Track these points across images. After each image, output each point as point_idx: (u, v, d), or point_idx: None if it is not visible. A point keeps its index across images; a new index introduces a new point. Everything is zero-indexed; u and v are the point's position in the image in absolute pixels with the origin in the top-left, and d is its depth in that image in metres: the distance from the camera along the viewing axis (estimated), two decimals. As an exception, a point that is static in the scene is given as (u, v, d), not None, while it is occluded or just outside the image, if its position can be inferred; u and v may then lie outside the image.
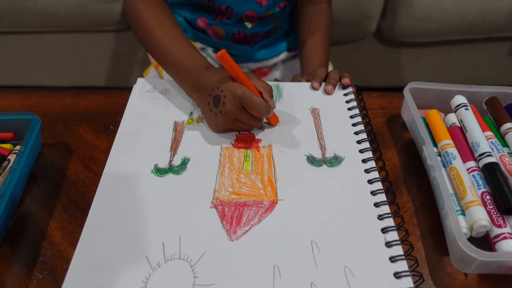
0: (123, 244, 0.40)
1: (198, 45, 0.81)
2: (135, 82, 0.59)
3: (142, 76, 0.88)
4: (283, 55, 0.82)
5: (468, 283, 0.41)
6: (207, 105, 0.50)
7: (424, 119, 0.54)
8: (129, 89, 0.58)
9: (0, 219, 0.41)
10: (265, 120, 0.52)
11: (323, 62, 0.70)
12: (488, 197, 0.43)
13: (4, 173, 0.47)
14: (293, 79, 0.65)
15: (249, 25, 0.73)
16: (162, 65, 0.57)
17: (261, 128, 0.53)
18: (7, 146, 0.51)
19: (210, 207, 0.43)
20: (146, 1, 0.59)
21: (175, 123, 0.53)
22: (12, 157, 0.48)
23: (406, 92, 0.55)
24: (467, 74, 1.41)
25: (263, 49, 0.80)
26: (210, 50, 0.80)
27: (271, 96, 0.50)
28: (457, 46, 1.33)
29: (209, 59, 0.80)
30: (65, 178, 0.49)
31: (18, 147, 0.50)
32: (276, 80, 0.84)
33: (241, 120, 0.49)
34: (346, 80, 0.58)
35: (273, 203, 0.44)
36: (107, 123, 0.56)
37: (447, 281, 0.41)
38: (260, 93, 0.49)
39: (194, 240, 0.40)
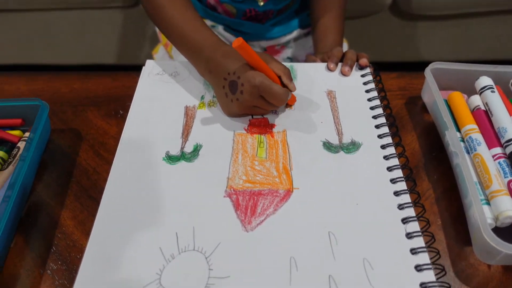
0: (136, 235, 0.39)
1: (208, 22, 0.78)
2: (144, 60, 0.57)
3: (151, 54, 0.86)
4: (296, 33, 0.79)
5: (491, 275, 0.39)
6: (222, 89, 0.48)
7: (446, 101, 0.51)
8: (138, 68, 0.56)
9: (13, 209, 0.40)
10: None
11: (337, 40, 0.67)
12: (514, 186, 0.41)
13: (15, 161, 0.46)
14: (307, 59, 0.63)
15: (261, 2, 0.70)
16: (174, 44, 0.54)
17: (275, 112, 0.51)
18: (16, 132, 0.50)
19: (224, 196, 0.42)
20: None
21: (186, 108, 0.51)
22: (21, 144, 0.48)
23: (428, 73, 0.52)
24: (487, 47, 1.35)
25: (275, 27, 0.77)
26: (220, 28, 0.78)
27: (291, 79, 0.48)
28: (476, 18, 1.27)
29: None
30: (75, 166, 0.48)
31: (27, 134, 0.49)
32: (288, 58, 0.81)
33: (258, 107, 0.47)
34: (363, 61, 0.55)
35: (288, 192, 0.43)
36: (117, 107, 0.54)
37: (469, 272, 0.40)
38: (279, 77, 0.47)
39: (208, 231, 0.39)
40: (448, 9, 1.22)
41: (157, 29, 0.82)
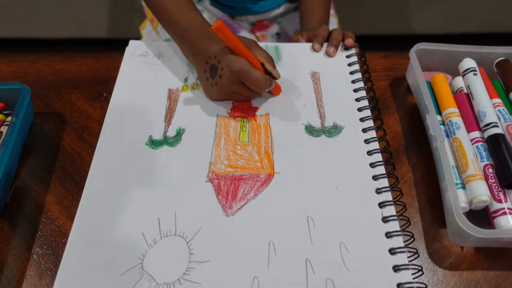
0: (119, 220, 0.40)
1: None
2: (132, 35, 0.56)
3: (138, 29, 0.84)
4: (284, 7, 0.77)
5: (463, 256, 0.41)
6: (204, 73, 0.48)
7: (429, 83, 0.51)
8: (126, 42, 0.55)
9: (-4, 195, 0.41)
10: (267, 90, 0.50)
11: (324, 16, 0.66)
12: (490, 170, 0.42)
13: (-3, 146, 0.46)
14: (292, 39, 0.62)
15: None
16: (161, 22, 0.53)
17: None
18: (-1, 116, 0.50)
19: (206, 181, 0.43)
20: None
21: (170, 91, 0.51)
22: (4, 129, 0.48)
23: (412, 54, 0.52)
24: (481, 20, 1.33)
25: (262, 0, 0.75)
26: (207, 2, 0.76)
27: (274, 66, 0.47)
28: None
29: (205, 13, 0.76)
30: (59, 150, 0.48)
31: (9, 118, 0.49)
32: (277, 34, 0.80)
33: (239, 93, 0.47)
34: (349, 41, 0.55)
35: (269, 177, 0.43)
36: (100, 89, 0.54)
37: (443, 254, 0.41)
38: (262, 64, 0.46)
39: (189, 215, 0.40)
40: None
41: (143, 4, 0.80)
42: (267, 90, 0.46)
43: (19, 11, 1.24)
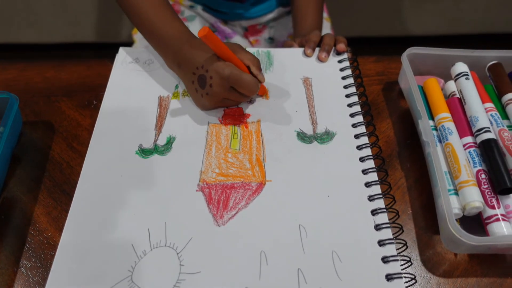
0: (108, 232, 0.39)
1: (187, 2, 0.76)
2: (125, 38, 0.55)
3: (131, 34, 0.84)
4: (276, 12, 0.77)
5: (457, 263, 0.41)
6: (192, 84, 0.47)
7: (421, 88, 0.51)
8: (116, 49, 0.55)
9: (-17, 207, 0.40)
10: None
11: (316, 21, 0.66)
12: (483, 175, 0.42)
13: (-15, 157, 0.45)
14: (285, 44, 0.62)
15: None
16: (142, 33, 0.53)
17: (250, 101, 0.50)
18: (-13, 126, 0.49)
19: (197, 190, 0.42)
20: None
21: (160, 98, 0.50)
22: (-8, 139, 0.47)
23: (404, 59, 0.51)
24: (477, 21, 1.33)
25: (255, 6, 0.75)
26: (199, 8, 0.76)
27: (260, 69, 0.47)
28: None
29: (197, 19, 0.76)
30: (48, 160, 0.48)
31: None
32: (270, 38, 0.79)
33: (230, 99, 0.47)
34: (341, 46, 0.54)
35: (261, 185, 0.43)
36: (90, 97, 0.54)
37: (436, 260, 0.41)
38: (248, 67, 0.46)
39: (180, 226, 0.40)
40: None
41: None
42: (256, 91, 0.46)
43: (15, 17, 1.23)
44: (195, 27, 0.75)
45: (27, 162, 0.48)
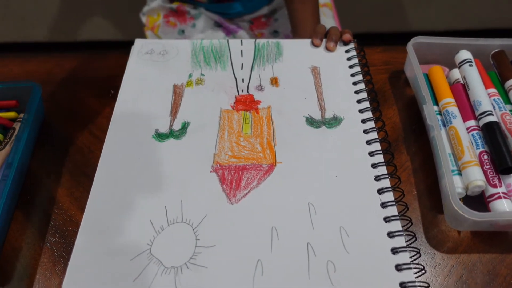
0: (127, 209, 0.41)
1: (190, 6, 0.77)
2: (137, 35, 0.58)
3: (143, 31, 0.86)
4: (275, 2, 0.79)
5: (460, 240, 0.42)
6: None
7: (427, 75, 0.53)
8: (131, 44, 0.57)
9: (11, 187, 0.43)
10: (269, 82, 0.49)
11: (317, 22, 0.67)
12: (485, 156, 0.43)
13: (11, 141, 0.48)
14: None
15: None
16: None
17: (261, 89, 0.52)
18: (12, 114, 0.52)
19: (210, 171, 0.44)
20: None
21: (175, 86, 0.53)
22: (17, 126, 0.50)
23: (409, 47, 0.53)
24: (483, 16, 1.34)
25: (253, 1, 0.77)
26: (202, 8, 0.77)
27: None
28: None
29: (202, 17, 0.76)
30: (70, 145, 0.50)
31: (22, 115, 0.51)
32: (276, 32, 0.81)
33: None
34: (347, 36, 0.56)
35: (271, 166, 0.45)
36: (108, 87, 0.56)
37: (440, 238, 0.42)
38: None
39: (195, 204, 0.42)
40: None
41: (142, 18, 0.82)
42: None
43: (28, 17, 1.27)
44: (201, 24, 0.77)
45: (50, 147, 0.50)
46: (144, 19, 0.80)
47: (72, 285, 0.37)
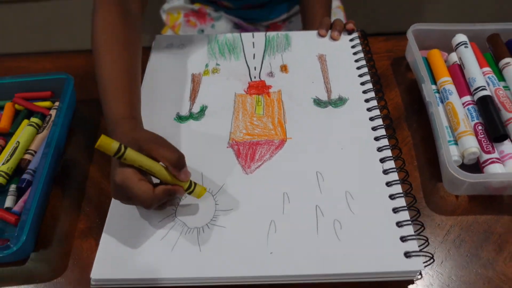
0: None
1: (211, 9, 0.83)
2: (157, 30, 0.63)
3: (161, 26, 0.92)
4: (296, 8, 0.84)
5: (458, 204, 0.46)
6: None
7: (426, 59, 0.56)
8: (148, 48, 0.63)
9: (50, 163, 0.48)
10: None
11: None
12: (480, 127, 0.47)
13: (48, 126, 0.54)
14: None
15: None
16: (98, 91, 0.48)
17: (272, 75, 0.57)
18: (47, 103, 0.57)
19: (227, 147, 0.49)
20: (105, 14, 0.51)
21: (193, 75, 0.58)
22: (53, 112, 0.55)
23: (409, 34, 0.57)
24: (486, 13, 1.37)
25: (276, 8, 0.82)
26: (223, 12, 0.82)
27: (181, 167, 0.40)
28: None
29: (222, 19, 0.81)
30: (99, 129, 0.55)
31: (57, 104, 0.56)
32: (289, 31, 0.86)
33: (137, 205, 0.43)
34: (350, 25, 0.61)
35: (282, 141, 0.49)
36: (132, 78, 0.61)
37: (440, 203, 0.46)
38: (166, 168, 0.41)
39: (214, 175, 0.46)
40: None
41: (162, 14, 0.88)
42: (179, 196, 0.42)
43: (52, 27, 1.34)
44: (222, 25, 0.82)
45: (81, 132, 0.56)
46: (164, 16, 0.86)
47: (108, 244, 0.41)
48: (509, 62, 0.52)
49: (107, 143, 0.38)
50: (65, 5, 1.28)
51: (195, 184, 0.43)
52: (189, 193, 0.42)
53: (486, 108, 0.47)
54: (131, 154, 0.39)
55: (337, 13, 0.82)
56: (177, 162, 0.40)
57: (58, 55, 0.66)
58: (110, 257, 0.41)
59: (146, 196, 0.38)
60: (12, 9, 1.29)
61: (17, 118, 0.56)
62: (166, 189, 0.40)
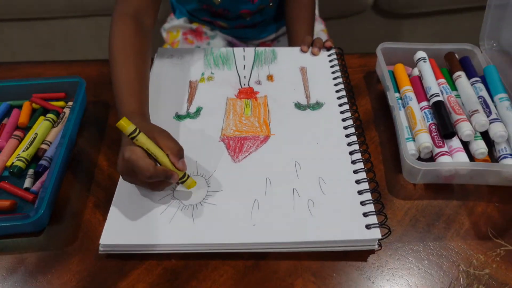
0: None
1: (207, 28, 0.92)
2: (154, 53, 0.72)
3: (161, 41, 1.01)
4: (283, 29, 0.94)
5: (415, 191, 0.54)
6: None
7: (392, 72, 0.66)
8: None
9: (65, 152, 0.55)
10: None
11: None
12: (433, 127, 0.55)
13: (62, 121, 0.61)
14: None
15: (247, 17, 0.85)
16: (113, 90, 0.56)
17: (259, 83, 0.66)
18: (61, 103, 0.65)
19: (219, 141, 0.57)
20: (123, 26, 0.59)
21: (190, 82, 0.66)
22: (66, 111, 0.63)
23: (378, 51, 0.67)
24: (467, 42, 1.48)
25: (266, 28, 0.92)
26: (218, 30, 0.92)
27: (180, 157, 0.48)
28: (455, 15, 1.40)
29: (217, 37, 0.91)
30: (107, 125, 0.63)
31: (70, 103, 0.64)
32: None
33: (137, 183, 0.50)
34: (328, 43, 0.70)
35: (267, 137, 0.57)
36: (136, 84, 0.69)
37: (399, 190, 0.54)
38: (167, 155, 0.48)
39: (207, 163, 0.54)
40: (425, 7, 1.36)
41: (163, 33, 0.97)
42: (173, 181, 0.48)
43: (56, 44, 1.43)
44: (217, 43, 0.91)
45: (91, 127, 0.63)
46: (164, 34, 0.95)
47: (115, 216, 0.48)
48: (460, 75, 0.61)
49: (126, 125, 0.46)
50: (78, 23, 1.37)
51: (189, 176, 0.50)
52: (182, 182, 0.50)
53: (439, 111, 0.56)
54: (142, 138, 0.47)
55: (321, 35, 0.92)
56: (177, 152, 0.48)
57: (70, 64, 0.74)
58: (116, 226, 0.47)
59: (147, 168, 0.45)
60: (30, 25, 1.37)
61: (34, 115, 0.63)
62: (164, 170, 0.47)
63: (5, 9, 1.31)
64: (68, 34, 1.41)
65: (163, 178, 0.47)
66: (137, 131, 0.47)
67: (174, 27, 0.92)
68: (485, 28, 0.68)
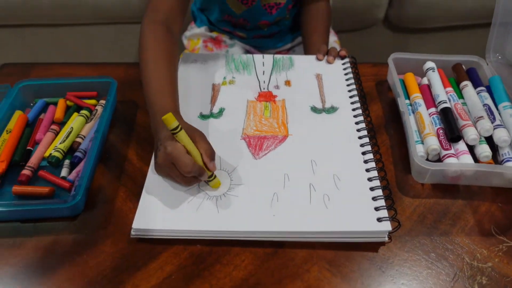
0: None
1: (226, 37, 0.97)
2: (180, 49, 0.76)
3: (182, 47, 1.06)
4: (299, 39, 0.99)
5: (423, 190, 0.57)
6: (156, 150, 0.54)
7: (402, 80, 0.70)
8: None
9: (98, 147, 0.60)
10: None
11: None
12: (441, 131, 0.59)
13: (95, 117, 0.66)
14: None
15: (265, 28, 0.90)
16: (144, 93, 0.61)
17: (278, 88, 0.70)
18: (93, 101, 0.70)
19: (240, 139, 0.61)
20: (154, 33, 0.64)
21: (213, 85, 0.71)
22: (98, 108, 0.68)
23: (390, 61, 0.71)
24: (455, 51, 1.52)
25: (282, 38, 0.97)
26: (236, 39, 0.97)
27: (211, 159, 0.52)
28: (462, 31, 1.44)
29: (236, 46, 0.96)
30: (135, 123, 0.68)
31: (102, 101, 0.69)
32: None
33: (171, 175, 0.53)
34: (342, 52, 0.75)
35: (285, 137, 0.61)
36: (162, 86, 0.74)
37: (409, 189, 0.58)
38: (201, 155, 0.52)
39: (230, 159, 0.58)
40: (434, 23, 1.41)
41: (183, 40, 1.02)
42: (202, 179, 0.53)
43: (76, 52, 1.49)
44: (235, 51, 0.95)
45: (121, 124, 0.68)
46: (185, 41, 1.00)
47: (146, 203, 0.53)
48: (467, 84, 0.65)
49: (171, 120, 0.50)
50: (99, 29, 1.42)
51: (215, 177, 0.54)
52: (209, 181, 0.54)
53: (446, 117, 0.60)
54: (182, 135, 0.51)
55: (334, 46, 0.97)
56: (211, 154, 0.53)
57: (101, 66, 0.80)
58: (147, 212, 0.52)
59: (188, 164, 0.50)
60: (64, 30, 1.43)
61: (68, 111, 0.68)
62: (201, 167, 0.52)
63: (30, 16, 1.36)
64: (88, 42, 1.46)
65: (197, 174, 0.51)
66: (179, 128, 0.51)
67: (195, 35, 0.98)
68: (490, 41, 0.72)
